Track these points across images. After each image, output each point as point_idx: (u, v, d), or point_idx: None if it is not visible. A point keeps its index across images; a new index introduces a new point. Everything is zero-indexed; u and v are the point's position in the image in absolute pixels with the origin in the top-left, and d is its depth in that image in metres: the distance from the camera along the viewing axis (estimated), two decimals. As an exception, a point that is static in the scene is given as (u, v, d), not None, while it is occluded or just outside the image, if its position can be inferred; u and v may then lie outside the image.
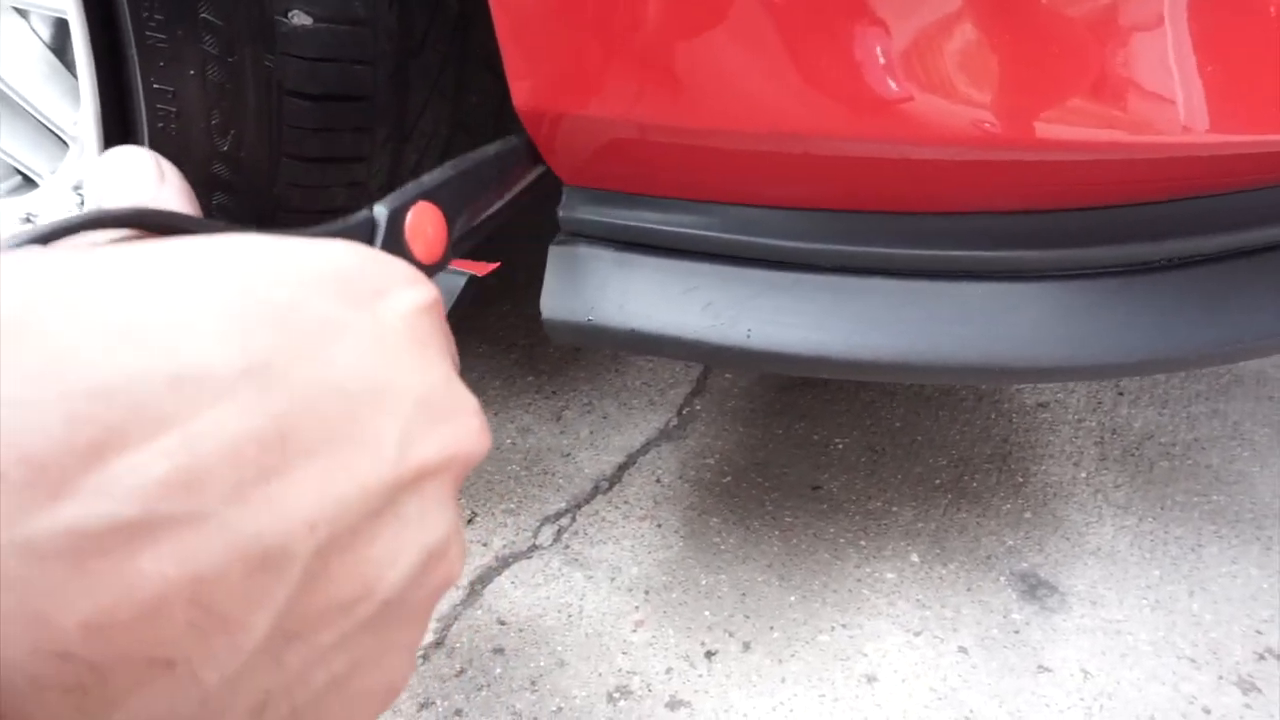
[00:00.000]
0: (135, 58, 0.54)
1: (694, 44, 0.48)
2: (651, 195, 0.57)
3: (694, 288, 0.57)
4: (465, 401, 0.20)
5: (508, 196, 0.49)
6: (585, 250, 0.59)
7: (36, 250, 0.18)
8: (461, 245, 0.43)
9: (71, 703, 0.13)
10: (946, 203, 0.54)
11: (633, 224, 0.58)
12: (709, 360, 0.59)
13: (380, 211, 0.35)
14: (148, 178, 0.24)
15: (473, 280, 0.44)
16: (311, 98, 0.56)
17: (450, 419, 0.19)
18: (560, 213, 0.59)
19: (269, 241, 0.18)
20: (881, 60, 0.46)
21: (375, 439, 0.16)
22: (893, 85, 0.47)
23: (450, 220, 0.40)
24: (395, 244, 0.36)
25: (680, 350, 0.57)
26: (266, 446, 0.15)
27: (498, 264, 0.48)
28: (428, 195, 0.38)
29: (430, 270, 0.38)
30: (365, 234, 0.35)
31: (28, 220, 0.79)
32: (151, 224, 0.24)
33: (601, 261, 0.59)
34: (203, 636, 0.14)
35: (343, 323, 0.17)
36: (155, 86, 0.55)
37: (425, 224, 0.38)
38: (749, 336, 0.56)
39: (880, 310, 0.55)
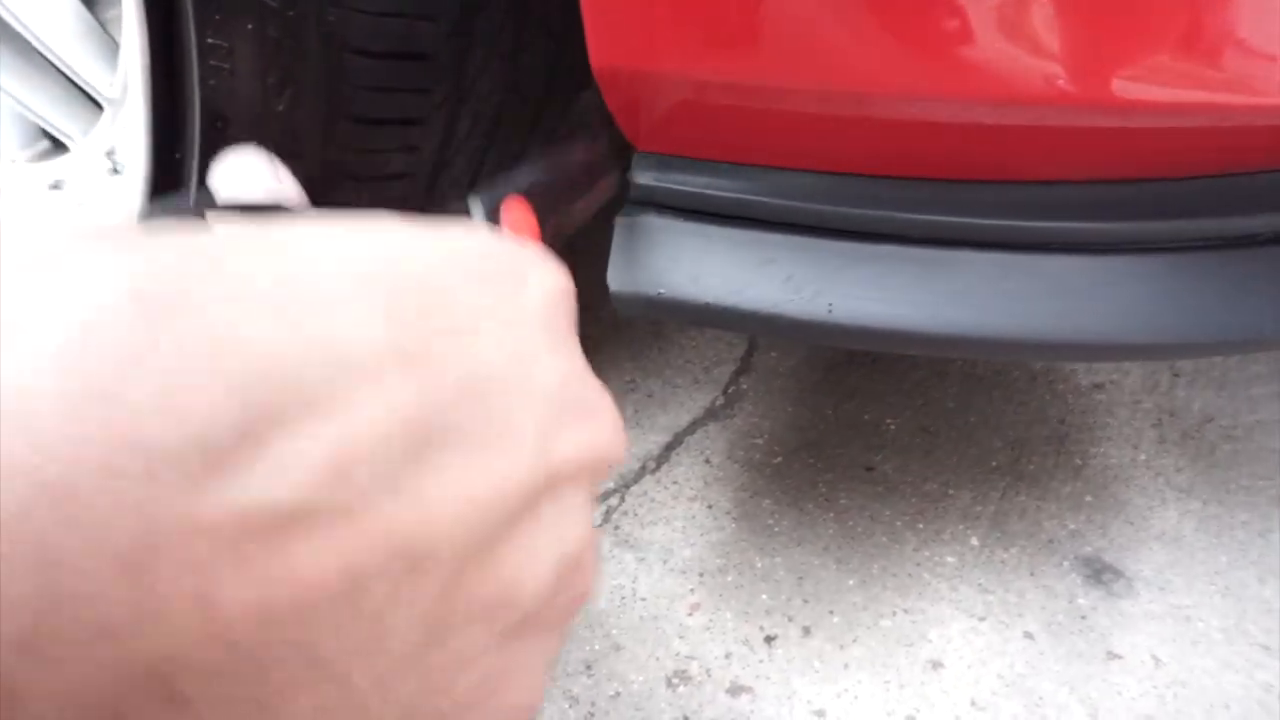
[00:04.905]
0: (189, 10, 0.51)
1: None
2: (729, 161, 0.55)
3: (773, 260, 0.54)
4: (601, 399, 0.19)
5: (587, 209, 0.47)
6: (655, 221, 0.56)
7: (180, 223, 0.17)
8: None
9: (241, 696, 0.12)
10: (1038, 171, 0.52)
11: (708, 192, 0.55)
12: (788, 335, 0.56)
13: (475, 204, 0.34)
14: (266, 175, 0.24)
15: None
16: (374, 55, 0.53)
17: (587, 418, 0.18)
18: (631, 179, 0.56)
19: (413, 224, 0.17)
20: (970, 16, 0.44)
21: (513, 437, 0.16)
22: (982, 42, 0.44)
23: (541, 222, 0.38)
24: None
25: (757, 325, 0.55)
26: (412, 438, 0.14)
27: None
28: (522, 191, 0.36)
29: None
30: None
31: (56, 186, 0.76)
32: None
33: (673, 232, 0.56)
34: (354, 637, 0.13)
35: (487, 311, 0.16)
36: (210, 42, 0.52)
37: (520, 221, 0.36)
38: (831, 311, 0.53)
39: (970, 284, 0.52)
